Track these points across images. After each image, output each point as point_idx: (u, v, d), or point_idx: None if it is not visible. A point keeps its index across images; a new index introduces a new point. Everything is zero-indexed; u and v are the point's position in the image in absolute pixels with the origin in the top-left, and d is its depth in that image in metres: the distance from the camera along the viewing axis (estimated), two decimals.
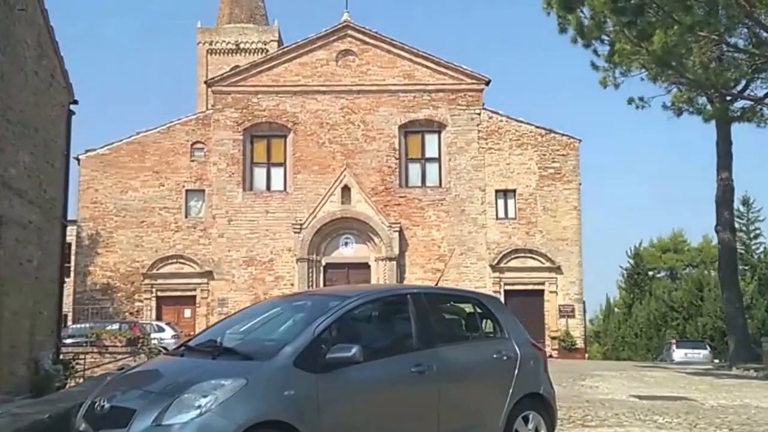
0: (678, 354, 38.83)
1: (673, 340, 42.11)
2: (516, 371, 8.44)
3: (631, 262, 60.49)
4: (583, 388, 18.78)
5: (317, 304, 7.79)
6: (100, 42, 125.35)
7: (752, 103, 24.46)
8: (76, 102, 20.50)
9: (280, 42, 56.41)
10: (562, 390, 18.40)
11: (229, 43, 58.13)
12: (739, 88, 26.58)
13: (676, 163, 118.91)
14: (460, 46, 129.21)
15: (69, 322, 35.94)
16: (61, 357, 20.36)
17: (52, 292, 18.81)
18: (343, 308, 7.34)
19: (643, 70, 24.69)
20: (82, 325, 31.10)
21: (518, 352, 8.57)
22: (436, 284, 10.16)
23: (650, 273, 63.92)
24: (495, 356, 8.37)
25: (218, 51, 57.92)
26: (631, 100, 27.88)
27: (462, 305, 9.19)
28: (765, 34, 20.19)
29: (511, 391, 8.26)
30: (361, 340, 7.23)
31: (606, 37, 24.57)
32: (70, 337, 29.22)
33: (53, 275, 18.90)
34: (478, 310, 8.86)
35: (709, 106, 25.84)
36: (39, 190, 17.15)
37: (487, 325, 8.91)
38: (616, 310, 64.58)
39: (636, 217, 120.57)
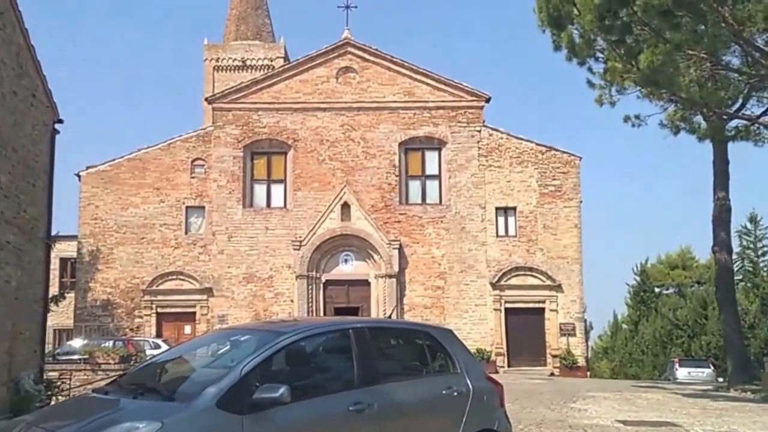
0: (681, 373, 38.40)
1: (676, 359, 41.65)
2: (468, 407, 8.20)
3: (638, 279, 59.98)
4: (571, 411, 18.53)
5: (253, 340, 7.61)
6: (105, 59, 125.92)
7: (747, 122, 24.20)
8: (60, 121, 20.47)
9: (286, 59, 56.40)
10: (549, 413, 18.22)
11: (235, 59, 58.22)
12: (737, 106, 26.38)
13: (682, 179, 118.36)
14: (461, 63, 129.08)
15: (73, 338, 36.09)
16: (46, 376, 20.31)
17: (34, 313, 18.73)
18: (276, 345, 7.11)
19: (637, 88, 24.56)
20: (78, 342, 31.05)
21: (470, 386, 8.34)
22: (389, 317, 9.91)
23: (658, 290, 63.39)
24: (445, 392, 8.11)
25: (225, 68, 58.00)
26: (627, 118, 27.68)
27: (411, 339, 9.00)
28: (756, 53, 19.93)
29: (462, 427, 8.04)
30: (295, 378, 7.03)
31: (600, 55, 24.48)
32: (65, 354, 29.24)
33: (36, 295, 18.83)
34: (429, 344, 8.64)
35: (703, 125, 25.56)
36: (18, 210, 17.08)
37: (439, 360, 8.71)
38: (624, 326, 64.12)
39: (644, 233, 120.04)
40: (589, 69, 25.12)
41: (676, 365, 39.45)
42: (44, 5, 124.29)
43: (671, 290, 64.45)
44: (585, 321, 39.38)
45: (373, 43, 40.39)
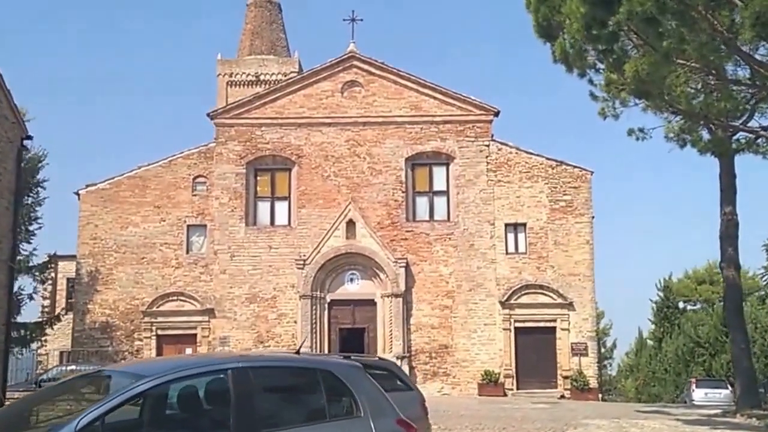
0: (698, 394, 36.92)
1: (693, 379, 40.11)
2: None
3: (661, 294, 58.41)
4: None
5: (109, 384, 6.74)
6: (119, 74, 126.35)
7: (751, 135, 22.94)
8: (29, 137, 19.93)
9: (300, 73, 55.76)
10: None
11: (249, 74, 57.60)
12: (744, 118, 25.12)
13: (701, 191, 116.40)
14: (469, 76, 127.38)
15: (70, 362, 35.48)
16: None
17: None
18: (130, 391, 6.24)
19: (635, 100, 23.43)
20: (64, 368, 30.38)
21: None
22: (297, 351, 8.90)
23: (685, 305, 61.86)
24: None
25: (238, 83, 57.47)
26: (631, 132, 26.42)
27: (306, 379, 7.99)
28: (752, 63, 18.73)
29: None
30: (153, 431, 6.15)
31: (601, 66, 23.42)
32: (51, 380, 28.49)
33: None
34: (328, 384, 7.67)
35: (706, 138, 24.31)
36: None
37: (340, 402, 7.72)
38: (649, 342, 62.61)
39: (669, 247, 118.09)
40: (590, 81, 24.05)
41: (693, 386, 38.01)
42: (56, 18, 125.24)
43: (698, 306, 62.89)
44: (597, 340, 37.99)
45: (381, 56, 39.56)
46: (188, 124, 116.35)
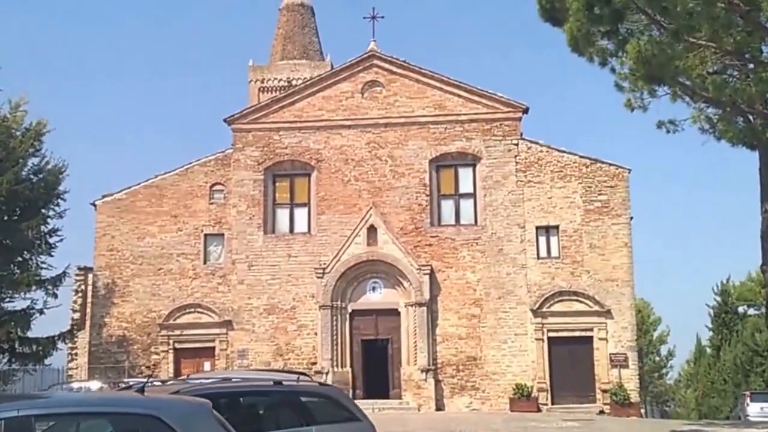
0: (753, 409, 34.07)
1: (747, 392, 37.13)
2: None
3: (718, 299, 55.22)
4: None
5: None
6: (148, 82, 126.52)
7: None
8: None
9: None
10: None
11: (280, 80, 56.37)
12: None
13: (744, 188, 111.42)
14: (496, 72, 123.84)
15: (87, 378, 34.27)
16: None
17: None
18: None
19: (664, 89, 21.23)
20: (58, 386, 29.17)
21: None
22: (142, 390, 7.05)
23: (746, 310, 58.47)
24: None
25: (270, 89, 56.21)
26: (661, 124, 24.22)
27: (118, 428, 6.19)
28: None
29: None
30: None
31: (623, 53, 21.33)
32: None
33: None
34: None
35: (741, 127, 21.93)
36: None
37: None
38: (708, 350, 59.45)
39: (729, 247, 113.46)
40: (612, 69, 22.05)
41: (747, 399, 35.14)
42: (85, 24, 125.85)
43: (763, 310, 59.54)
44: (638, 350, 35.48)
45: (406, 53, 37.73)
46: (220, 133, 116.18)
